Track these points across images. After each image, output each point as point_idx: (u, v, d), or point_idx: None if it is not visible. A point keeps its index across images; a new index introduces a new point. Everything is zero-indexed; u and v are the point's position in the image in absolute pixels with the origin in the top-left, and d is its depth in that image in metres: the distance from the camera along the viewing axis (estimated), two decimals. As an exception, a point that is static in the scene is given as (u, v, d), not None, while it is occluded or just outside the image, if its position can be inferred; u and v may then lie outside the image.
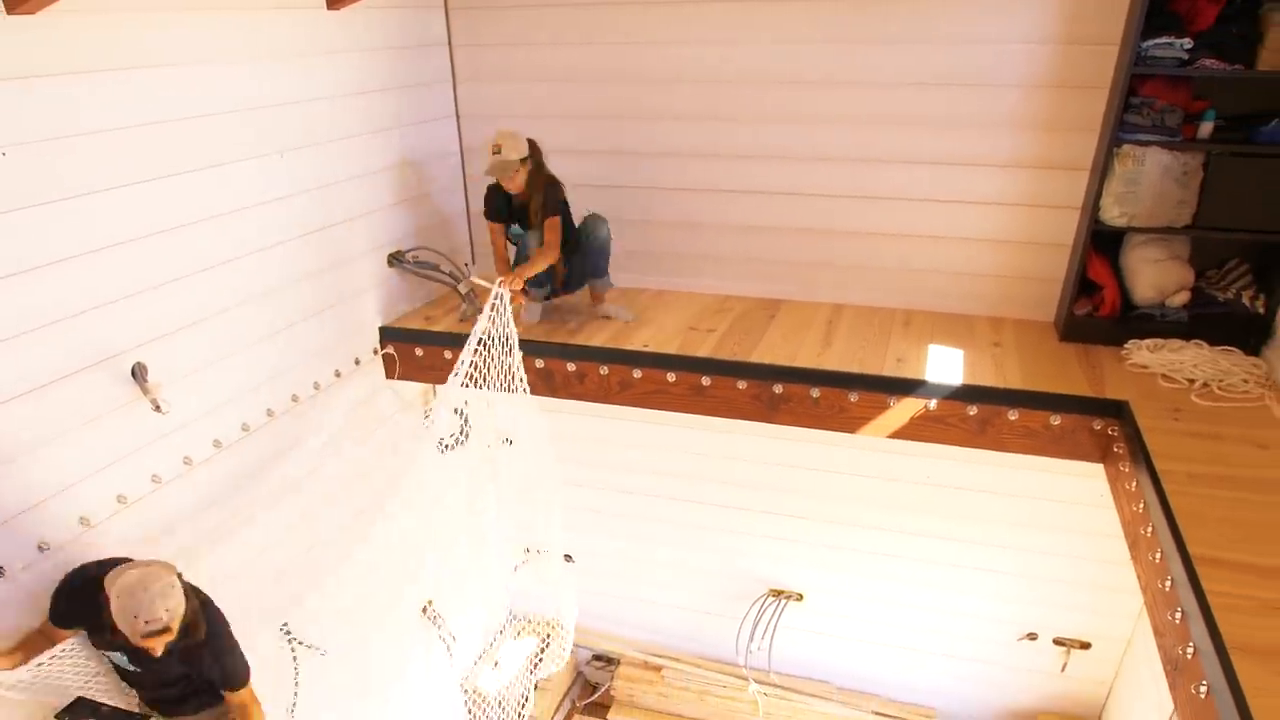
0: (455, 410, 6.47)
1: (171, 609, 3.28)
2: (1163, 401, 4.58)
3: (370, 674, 5.85)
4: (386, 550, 5.90)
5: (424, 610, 6.59)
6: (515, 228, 5.85)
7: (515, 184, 5.48)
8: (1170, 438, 4.19)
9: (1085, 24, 4.99)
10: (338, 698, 5.44)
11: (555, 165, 6.37)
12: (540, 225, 5.54)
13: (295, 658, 5.19)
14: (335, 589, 5.49)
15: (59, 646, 3.63)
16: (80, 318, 3.80)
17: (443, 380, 5.85)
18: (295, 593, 5.20)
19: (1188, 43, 4.55)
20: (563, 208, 5.60)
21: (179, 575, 3.44)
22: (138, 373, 4.04)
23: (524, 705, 7.41)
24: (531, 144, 5.46)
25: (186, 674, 3.75)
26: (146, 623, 3.24)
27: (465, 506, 6.87)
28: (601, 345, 5.50)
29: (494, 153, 5.33)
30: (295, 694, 5.17)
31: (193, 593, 3.53)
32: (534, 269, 5.45)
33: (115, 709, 3.77)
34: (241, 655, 3.80)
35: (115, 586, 3.26)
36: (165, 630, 3.29)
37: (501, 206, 5.75)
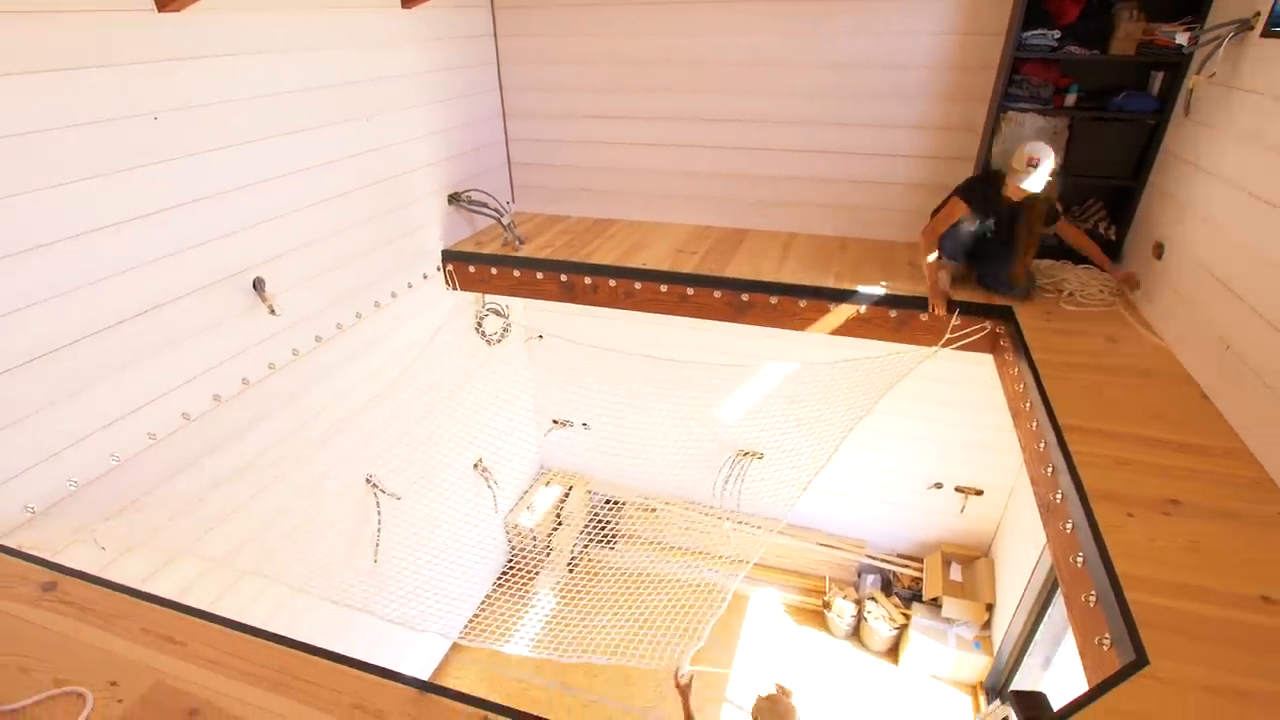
0: (499, 312, 6.50)
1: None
2: (1038, 307, 4.59)
3: (435, 514, 5.94)
4: (447, 419, 5.98)
5: (475, 465, 6.67)
6: (990, 223, 4.68)
7: (1019, 194, 4.43)
8: (1044, 334, 4.21)
9: (978, 19, 5.02)
10: (411, 532, 5.54)
11: (576, 128, 6.34)
12: (1040, 228, 4.58)
13: (378, 502, 5.28)
14: (408, 449, 5.58)
15: None
16: (217, 242, 3.83)
17: (490, 291, 5.89)
18: (378, 452, 5.27)
19: (1057, 34, 4.60)
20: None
21: None
22: (258, 285, 4.06)
23: (551, 537, 7.54)
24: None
25: None
26: None
27: (507, 386, 6.94)
28: (611, 263, 5.47)
29: (1030, 165, 4.29)
30: (379, 529, 5.28)
31: None
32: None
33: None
34: None
35: None
36: None
37: (989, 198, 4.61)
